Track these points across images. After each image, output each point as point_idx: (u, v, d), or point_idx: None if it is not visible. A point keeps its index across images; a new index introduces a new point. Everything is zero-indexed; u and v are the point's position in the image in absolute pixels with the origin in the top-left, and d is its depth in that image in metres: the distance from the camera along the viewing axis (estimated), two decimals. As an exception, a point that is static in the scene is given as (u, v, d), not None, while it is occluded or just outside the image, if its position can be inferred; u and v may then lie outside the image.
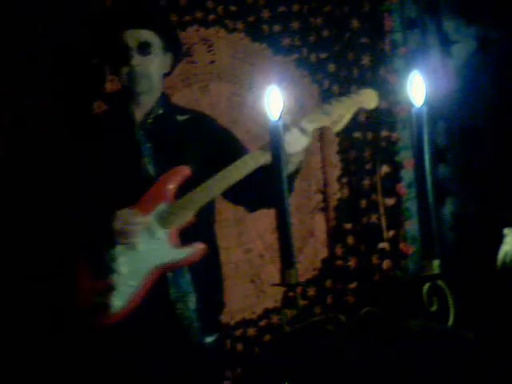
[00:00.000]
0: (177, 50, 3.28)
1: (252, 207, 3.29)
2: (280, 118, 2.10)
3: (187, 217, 2.98)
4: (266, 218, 4.19)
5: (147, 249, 2.97)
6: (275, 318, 4.31)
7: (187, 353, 3.03)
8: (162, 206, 2.98)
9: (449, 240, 4.46)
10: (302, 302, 4.26)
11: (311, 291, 4.36)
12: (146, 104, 3.15)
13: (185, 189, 3.01)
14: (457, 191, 4.52)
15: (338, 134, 3.22)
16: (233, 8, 4.35)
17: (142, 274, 2.94)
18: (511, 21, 4.46)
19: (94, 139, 3.13)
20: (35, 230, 3.57)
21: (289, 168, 2.95)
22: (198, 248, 2.98)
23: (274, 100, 2.11)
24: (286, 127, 2.86)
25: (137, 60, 3.05)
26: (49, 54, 3.98)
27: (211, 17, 4.34)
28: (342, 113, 3.00)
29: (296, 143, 2.95)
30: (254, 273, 4.36)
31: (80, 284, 2.99)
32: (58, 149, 3.21)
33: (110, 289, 2.93)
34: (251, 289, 4.36)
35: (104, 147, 3.10)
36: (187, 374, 3.04)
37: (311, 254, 4.39)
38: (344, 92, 4.42)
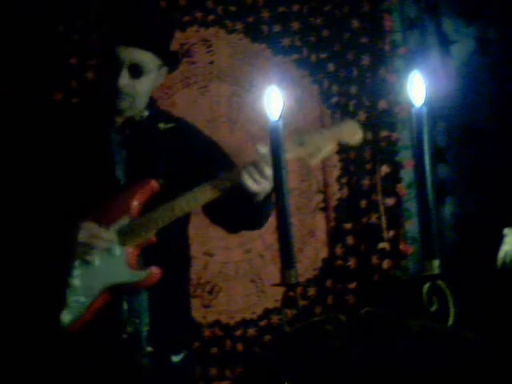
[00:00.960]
0: (174, 64, 3.06)
1: (230, 229, 3.12)
2: (280, 117, 2.10)
3: (147, 236, 2.80)
4: (265, 218, 4.20)
5: (103, 265, 2.80)
6: (275, 318, 4.32)
7: (135, 376, 2.86)
8: (123, 221, 2.81)
9: (449, 240, 4.47)
10: (301, 302, 4.26)
11: (311, 291, 4.37)
12: (127, 114, 2.93)
13: (153, 203, 2.82)
14: (457, 191, 4.52)
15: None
16: (232, 8, 4.35)
17: (94, 292, 2.79)
18: (511, 21, 4.46)
19: (64, 138, 2.92)
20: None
21: (259, 196, 2.80)
22: (153, 272, 2.78)
23: (273, 100, 2.11)
24: (256, 164, 2.73)
25: (125, 81, 2.82)
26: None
27: (211, 17, 4.34)
28: (319, 145, 2.78)
29: (268, 180, 2.73)
30: (254, 273, 4.36)
31: (39, 292, 2.87)
32: (24, 146, 3.00)
33: (60, 303, 2.79)
34: (251, 289, 4.37)
35: (75, 149, 2.90)
36: None
37: (311, 253, 4.39)
38: (343, 92, 4.43)
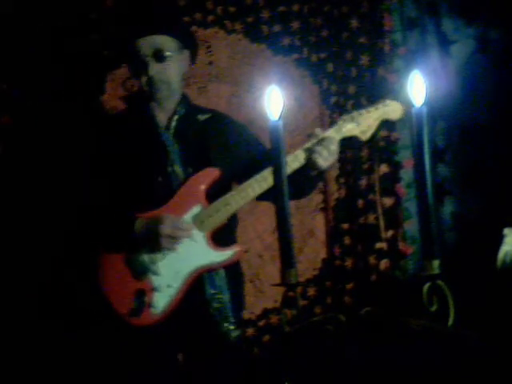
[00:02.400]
0: (193, 46, 3.29)
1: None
2: (280, 117, 2.10)
3: (222, 220, 3.07)
4: (264, 218, 4.20)
5: (186, 251, 3.03)
6: (274, 318, 4.31)
7: (222, 348, 3.12)
8: (196, 208, 3.04)
9: (449, 240, 4.46)
10: (301, 302, 4.26)
11: (311, 291, 4.36)
12: (167, 106, 3.18)
13: (214, 188, 3.07)
14: (456, 191, 4.52)
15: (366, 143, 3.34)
16: (232, 9, 4.35)
17: (182, 276, 3.02)
18: (510, 21, 4.46)
19: (118, 141, 3.15)
20: (58, 231, 3.60)
21: (313, 172, 3.09)
22: (237, 250, 3.09)
23: (273, 100, 2.11)
24: (332, 139, 3.03)
25: (154, 68, 3.08)
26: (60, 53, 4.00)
27: (210, 18, 4.34)
28: (370, 123, 3.14)
29: (326, 160, 3.04)
30: (252, 273, 4.35)
31: (116, 284, 3.03)
32: (81, 151, 3.25)
33: (151, 290, 3.00)
34: (250, 289, 4.36)
35: (129, 149, 3.13)
36: (223, 369, 3.14)
37: (311, 253, 4.39)
38: (343, 91, 4.42)
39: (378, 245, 4.40)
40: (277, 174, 2.09)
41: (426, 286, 1.94)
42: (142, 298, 2.99)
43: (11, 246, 3.90)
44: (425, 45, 4.51)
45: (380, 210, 4.40)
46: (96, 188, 3.12)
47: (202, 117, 3.22)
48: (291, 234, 2.08)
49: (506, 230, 3.56)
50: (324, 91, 4.43)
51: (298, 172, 3.06)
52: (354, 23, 4.42)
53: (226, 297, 3.12)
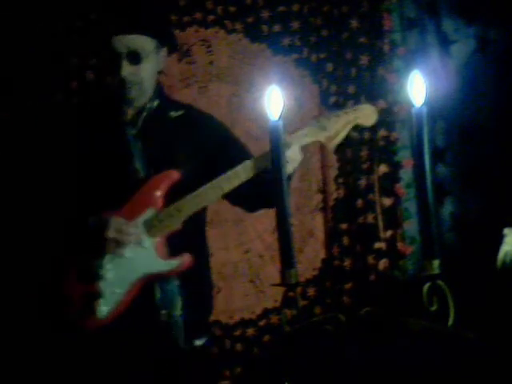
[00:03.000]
0: (171, 43, 3.13)
1: (251, 208, 3.17)
2: (280, 117, 2.10)
3: (175, 225, 2.89)
4: (265, 218, 4.19)
5: (134, 257, 2.88)
6: (275, 318, 4.31)
7: (173, 357, 2.96)
8: (149, 212, 2.88)
9: (448, 240, 4.46)
10: (301, 302, 4.26)
11: (311, 291, 4.36)
12: (137, 104, 2.98)
13: (174, 192, 2.89)
14: (456, 191, 4.52)
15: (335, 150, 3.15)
16: (232, 8, 4.35)
17: (128, 282, 2.88)
18: (510, 21, 4.46)
19: (80, 136, 2.99)
20: (19, 230, 3.57)
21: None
22: (184, 260, 2.89)
23: (274, 100, 2.11)
24: (287, 145, 2.79)
25: (126, 69, 2.88)
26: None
27: (210, 17, 4.34)
28: (338, 128, 2.88)
29: (296, 158, 2.85)
30: (253, 273, 4.36)
31: (68, 288, 2.93)
32: (40, 146, 3.11)
33: (96, 295, 2.87)
34: (250, 289, 4.36)
35: (91, 145, 2.95)
36: (175, 378, 2.98)
37: (311, 254, 4.39)
38: (342, 91, 4.43)
39: (377, 245, 4.40)
40: (277, 173, 2.09)
41: (426, 286, 1.94)
42: (88, 301, 2.88)
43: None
44: (425, 45, 4.51)
45: (379, 210, 4.40)
46: (60, 185, 2.98)
47: (174, 113, 3.01)
48: (291, 234, 2.08)
49: (506, 230, 3.57)
50: (324, 91, 4.43)
51: (263, 180, 2.88)
52: (354, 23, 4.42)
53: (177, 305, 2.95)
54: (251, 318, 4.34)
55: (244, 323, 4.35)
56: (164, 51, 3.00)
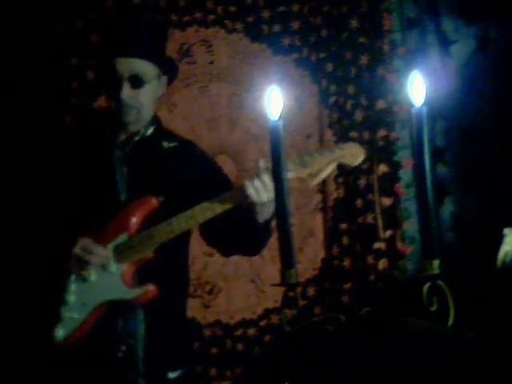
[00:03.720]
0: (173, 73, 3.07)
1: (225, 251, 3.09)
2: (280, 117, 2.10)
3: (144, 253, 2.81)
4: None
5: (98, 281, 2.81)
6: (275, 318, 4.31)
7: None
8: (121, 238, 2.82)
9: (449, 240, 4.46)
10: (301, 302, 4.26)
11: (311, 291, 4.36)
12: (132, 129, 2.96)
13: (153, 220, 2.83)
14: (456, 191, 4.52)
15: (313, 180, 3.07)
16: (232, 8, 4.35)
17: (88, 308, 2.81)
18: (510, 21, 4.46)
19: (69, 154, 2.98)
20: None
21: (258, 217, 2.81)
22: (148, 290, 2.80)
23: (273, 100, 2.11)
24: (258, 175, 2.74)
25: (126, 92, 2.86)
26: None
27: (211, 17, 4.34)
28: (320, 167, 2.84)
29: (268, 191, 2.74)
30: (254, 273, 4.36)
31: (30, 308, 2.92)
32: (28, 160, 3.10)
33: (57, 319, 2.81)
34: (251, 289, 4.36)
35: (77, 165, 2.94)
36: None
37: (311, 253, 4.39)
38: (342, 91, 4.43)
39: (377, 245, 4.40)
40: (277, 173, 2.09)
41: (426, 286, 1.94)
42: (49, 325, 2.82)
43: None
44: (425, 45, 4.51)
45: (379, 210, 4.40)
46: (39, 203, 2.94)
47: (166, 144, 2.98)
48: (291, 233, 2.08)
49: (506, 230, 3.57)
50: (323, 91, 4.43)
51: (237, 223, 2.84)
52: (354, 23, 4.42)
53: (138, 341, 2.86)
54: (252, 318, 4.34)
55: (245, 323, 4.35)
56: (165, 79, 2.99)
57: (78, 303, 2.81)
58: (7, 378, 3.25)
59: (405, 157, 4.43)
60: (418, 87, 2.00)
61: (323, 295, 4.38)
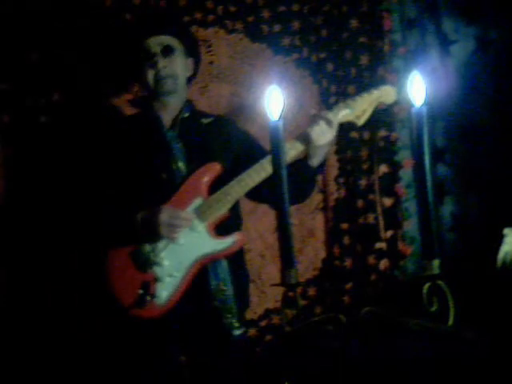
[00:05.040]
0: (197, 55, 3.51)
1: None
2: (280, 117, 2.10)
3: (223, 210, 3.15)
4: (266, 217, 4.19)
5: (188, 241, 3.11)
6: (276, 318, 4.31)
7: (224, 343, 3.20)
8: (197, 201, 3.14)
9: (449, 240, 4.46)
10: (301, 302, 4.26)
11: (311, 291, 4.36)
12: (172, 106, 3.34)
13: (216, 184, 3.18)
14: (456, 191, 4.52)
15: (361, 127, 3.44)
16: (232, 8, 4.35)
17: (184, 266, 3.09)
18: (511, 21, 4.46)
19: (125, 140, 3.29)
20: (62, 226, 3.63)
21: (314, 161, 3.21)
22: (237, 238, 3.16)
23: (274, 100, 2.11)
24: (314, 119, 3.16)
25: (162, 62, 3.26)
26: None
27: (210, 17, 4.34)
28: (364, 107, 3.25)
29: (322, 136, 3.16)
30: (254, 273, 4.35)
31: (120, 277, 3.11)
32: (90, 151, 3.36)
33: (155, 281, 3.06)
34: (252, 289, 4.36)
35: (135, 148, 3.26)
36: (224, 363, 3.21)
37: (311, 253, 4.39)
38: (342, 91, 4.43)
39: (378, 245, 4.40)
40: (277, 173, 2.09)
41: (426, 286, 1.94)
42: (146, 289, 3.04)
43: (14, 243, 3.90)
44: (425, 45, 4.51)
45: (380, 210, 4.40)
46: (102, 186, 3.23)
47: (205, 120, 3.37)
48: (291, 233, 2.08)
49: (506, 230, 3.57)
50: (324, 91, 4.42)
51: (298, 169, 3.17)
52: (354, 23, 4.42)
53: (229, 290, 3.19)
54: (253, 318, 4.34)
55: (245, 323, 4.35)
56: (191, 61, 3.42)
57: (175, 264, 3.09)
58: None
59: (405, 157, 4.43)
60: (418, 87, 2.00)
61: (323, 295, 4.38)
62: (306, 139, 3.17)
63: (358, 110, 3.25)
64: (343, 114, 3.25)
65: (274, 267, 4.24)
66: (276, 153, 2.10)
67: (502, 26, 4.49)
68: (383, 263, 4.38)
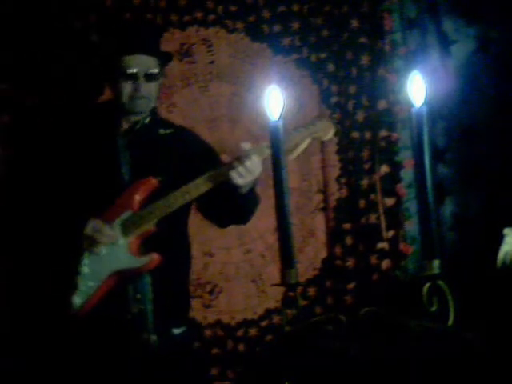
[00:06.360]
0: (168, 61, 3.38)
1: (220, 223, 3.41)
2: (280, 117, 2.10)
3: (147, 226, 3.14)
4: (266, 218, 4.18)
5: (108, 254, 3.14)
6: (277, 318, 4.31)
7: (140, 351, 3.19)
8: (125, 215, 3.15)
9: (449, 240, 4.46)
10: (302, 302, 4.26)
11: (311, 291, 4.36)
12: (134, 118, 3.27)
13: (154, 198, 3.15)
14: (456, 191, 4.52)
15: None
16: (233, 8, 4.35)
17: (101, 276, 3.14)
18: (511, 21, 4.46)
19: (75, 141, 3.26)
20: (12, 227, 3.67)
21: (243, 190, 3.12)
22: (152, 258, 3.13)
23: (274, 100, 2.11)
24: (247, 155, 3.04)
25: (143, 85, 3.18)
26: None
27: (211, 17, 4.34)
28: (297, 142, 3.15)
29: (242, 178, 3.06)
30: (255, 273, 4.36)
31: (48, 281, 3.20)
32: (38, 146, 3.37)
33: (72, 288, 3.13)
34: (252, 289, 4.36)
35: (84, 151, 3.23)
36: (144, 371, 3.19)
37: (312, 253, 4.39)
38: (343, 91, 4.43)
39: (380, 245, 4.40)
40: (277, 174, 2.09)
41: (426, 286, 1.94)
42: (63, 294, 3.15)
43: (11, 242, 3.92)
44: (425, 45, 4.51)
45: (381, 210, 4.41)
46: (52, 188, 3.24)
47: (163, 131, 3.31)
48: (291, 233, 2.08)
49: (506, 230, 3.57)
50: (324, 91, 4.43)
51: (226, 194, 3.12)
52: (354, 23, 4.42)
53: (148, 302, 3.19)
54: (253, 318, 4.34)
55: (246, 323, 4.35)
56: (163, 71, 3.30)
57: (92, 273, 3.14)
58: (25, 347, 3.49)
59: (406, 157, 4.43)
60: (418, 87, 2.00)
61: (324, 295, 4.38)
62: (225, 176, 3.09)
63: (290, 143, 3.09)
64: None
65: (274, 267, 4.24)
66: (276, 153, 2.10)
67: (502, 26, 4.49)
68: (385, 263, 4.38)
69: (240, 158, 3.05)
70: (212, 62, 4.34)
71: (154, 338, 3.18)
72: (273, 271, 4.27)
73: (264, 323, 4.35)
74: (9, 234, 3.88)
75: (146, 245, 3.16)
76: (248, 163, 3.03)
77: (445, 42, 4.51)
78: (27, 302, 3.54)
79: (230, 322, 4.33)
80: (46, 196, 3.24)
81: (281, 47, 4.38)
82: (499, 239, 3.57)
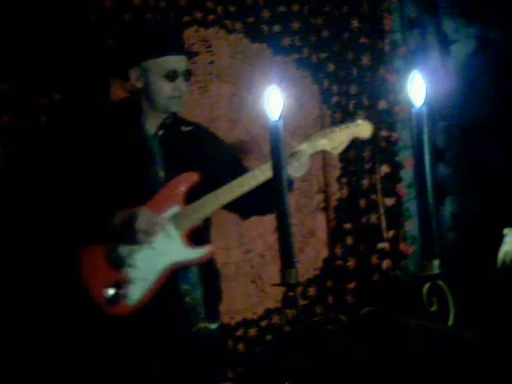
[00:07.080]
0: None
1: (246, 214, 3.57)
2: (280, 117, 2.10)
3: (198, 220, 3.26)
4: (266, 218, 4.19)
5: (162, 247, 3.19)
6: (276, 319, 4.31)
7: (193, 341, 3.27)
8: (174, 208, 3.23)
9: (449, 240, 4.47)
10: (301, 302, 4.26)
11: (312, 291, 4.37)
12: (158, 117, 3.34)
13: (193, 194, 3.25)
14: (457, 191, 4.52)
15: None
16: (232, 8, 4.35)
17: (157, 270, 3.18)
18: (511, 21, 4.46)
19: (108, 142, 3.32)
20: (45, 228, 3.64)
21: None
22: (209, 250, 3.27)
23: (274, 100, 2.11)
24: (301, 152, 3.27)
25: (183, 83, 3.29)
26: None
27: (211, 17, 4.34)
28: (342, 139, 3.36)
29: (298, 171, 3.29)
30: (254, 273, 4.36)
31: (96, 276, 3.19)
32: (74, 151, 3.36)
33: (127, 282, 3.15)
34: (252, 289, 4.36)
35: (117, 152, 3.29)
36: (195, 361, 3.27)
37: (312, 253, 4.39)
38: (343, 92, 4.43)
39: (381, 245, 4.40)
40: (277, 174, 2.09)
41: (426, 286, 1.94)
42: (118, 288, 3.14)
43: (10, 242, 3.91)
44: (425, 45, 4.52)
45: (382, 210, 4.41)
46: (82, 186, 3.26)
47: (185, 128, 3.39)
48: (291, 233, 2.08)
49: (506, 230, 3.56)
50: (324, 91, 4.43)
51: (267, 186, 3.18)
52: (355, 23, 4.43)
53: (198, 293, 3.28)
54: (253, 318, 4.34)
55: (246, 323, 4.35)
56: None
57: (148, 267, 3.17)
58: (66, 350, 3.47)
59: (406, 157, 4.44)
60: (418, 87, 2.00)
61: (324, 295, 4.38)
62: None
63: (335, 141, 3.36)
64: (321, 143, 3.36)
65: (274, 267, 4.24)
66: (276, 153, 2.10)
67: (502, 26, 4.49)
68: (386, 263, 4.39)
69: (295, 155, 3.27)
70: (212, 63, 4.34)
71: (213, 326, 3.30)
72: (273, 271, 4.27)
73: (264, 323, 4.35)
74: (27, 236, 3.86)
75: (191, 237, 3.25)
76: (302, 160, 3.27)
77: (445, 42, 4.51)
78: (61, 300, 3.47)
79: (229, 322, 4.33)
80: (86, 194, 3.25)
81: (281, 47, 4.38)
82: (499, 239, 3.57)
